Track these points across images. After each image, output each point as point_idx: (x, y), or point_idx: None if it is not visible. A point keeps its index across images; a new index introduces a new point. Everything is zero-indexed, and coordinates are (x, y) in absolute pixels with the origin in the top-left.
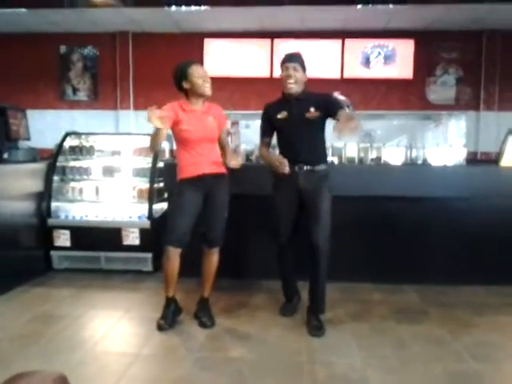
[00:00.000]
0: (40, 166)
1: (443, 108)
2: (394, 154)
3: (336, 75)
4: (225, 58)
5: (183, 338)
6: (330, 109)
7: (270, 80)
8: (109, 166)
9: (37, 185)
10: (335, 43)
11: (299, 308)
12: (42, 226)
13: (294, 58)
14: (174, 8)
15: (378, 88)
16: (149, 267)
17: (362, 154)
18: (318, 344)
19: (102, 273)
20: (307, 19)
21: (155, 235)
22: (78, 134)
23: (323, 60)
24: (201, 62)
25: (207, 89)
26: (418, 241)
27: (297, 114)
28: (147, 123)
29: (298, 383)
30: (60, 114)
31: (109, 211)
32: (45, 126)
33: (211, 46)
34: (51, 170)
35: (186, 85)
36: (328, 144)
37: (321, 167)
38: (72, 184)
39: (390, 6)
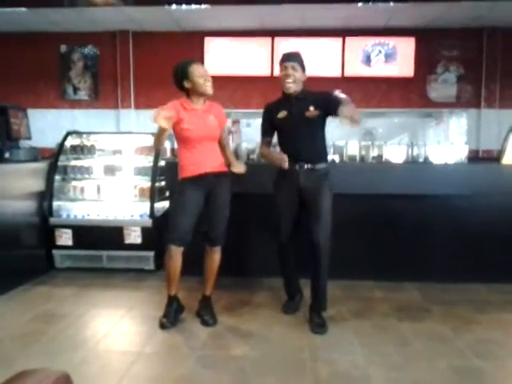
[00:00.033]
0: (41, 166)
1: (444, 106)
2: (395, 152)
3: (337, 73)
4: (225, 57)
5: (185, 336)
6: (330, 107)
7: (271, 78)
8: (110, 164)
9: (38, 184)
10: (336, 41)
11: (301, 306)
12: (44, 225)
13: (292, 57)
14: (174, 7)
15: (379, 86)
16: (151, 266)
17: (363, 152)
18: (321, 341)
19: (104, 271)
20: (308, 17)
21: (157, 234)
22: (79, 133)
23: (324, 58)
24: (201, 60)
25: (208, 88)
26: (419, 239)
27: (296, 113)
28: (148, 122)
29: (301, 381)
30: (61, 113)
31: (110, 210)
32: (46, 126)
33: (212, 45)
34: (53, 169)
35: (187, 84)
36: (329, 142)
37: (321, 166)
38: (73, 183)
39: (391, 3)
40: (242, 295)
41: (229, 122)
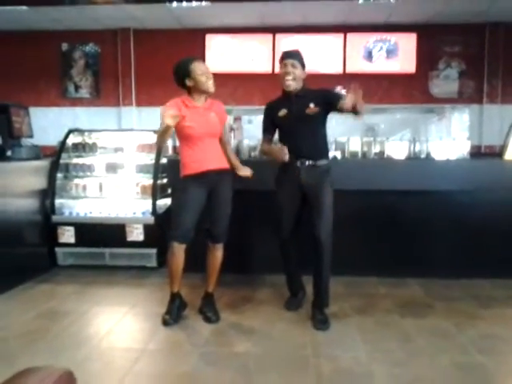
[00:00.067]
0: (43, 164)
1: (446, 102)
2: (397, 148)
3: (338, 70)
4: (226, 54)
5: (188, 333)
6: (331, 102)
7: (272, 75)
8: (112, 162)
9: (40, 182)
10: (337, 38)
11: (304, 303)
12: (47, 222)
13: (292, 55)
14: (175, 4)
15: (381, 82)
16: (153, 263)
17: (365, 149)
18: (323, 338)
19: (106, 269)
20: (309, 14)
21: (159, 231)
22: (80, 131)
23: (325, 55)
24: (202, 57)
25: (210, 85)
26: (421, 234)
27: (297, 111)
28: (150, 119)
29: (303, 377)
30: (62, 111)
31: (113, 207)
32: (47, 124)
33: (213, 42)
34: (55, 167)
35: (188, 82)
36: (331, 138)
37: (322, 162)
38: (75, 181)
39: None
40: (245, 292)
41: (230, 119)
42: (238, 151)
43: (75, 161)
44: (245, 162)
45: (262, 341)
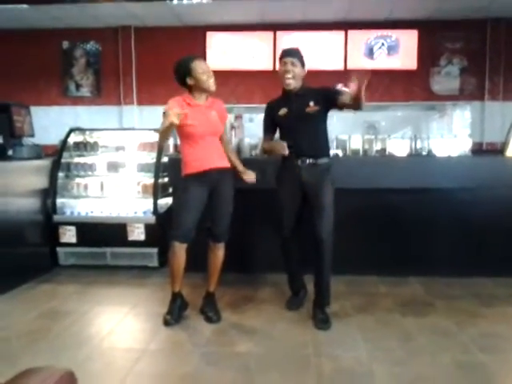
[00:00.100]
0: (45, 163)
1: (448, 98)
2: (398, 146)
3: (339, 67)
4: (227, 52)
5: (189, 332)
6: (330, 99)
7: (273, 73)
8: (113, 161)
9: (42, 181)
10: (338, 35)
11: (305, 302)
12: (48, 222)
13: (291, 53)
14: (175, 1)
15: (382, 79)
16: (154, 263)
17: (366, 146)
18: (324, 337)
19: (107, 269)
20: (309, 11)
21: (160, 230)
22: (82, 130)
23: (326, 52)
24: (203, 55)
25: (211, 84)
26: (423, 233)
27: (297, 110)
28: (151, 118)
29: (304, 376)
30: (63, 110)
31: (114, 207)
32: (48, 123)
33: (214, 40)
34: (56, 166)
35: (190, 81)
36: (332, 136)
37: (323, 160)
38: (77, 180)
39: None
40: (246, 291)
41: (231, 118)
42: (238, 150)
43: (76, 160)
44: (246, 161)
45: (264, 340)
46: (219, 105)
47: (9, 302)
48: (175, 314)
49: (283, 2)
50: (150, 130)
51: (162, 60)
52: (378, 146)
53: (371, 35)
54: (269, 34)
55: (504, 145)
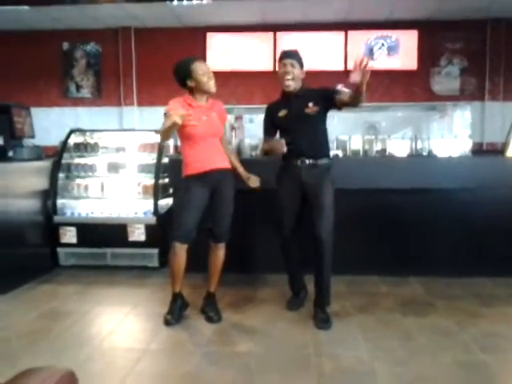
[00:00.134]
0: (45, 164)
1: (448, 99)
2: (398, 146)
3: (339, 67)
4: (227, 52)
5: (190, 332)
6: (329, 98)
7: (273, 74)
8: (114, 162)
9: (42, 182)
10: (338, 35)
11: (306, 302)
12: (48, 223)
13: (291, 55)
14: (175, 2)
15: (382, 80)
16: (155, 263)
17: (366, 147)
18: (325, 337)
19: (108, 269)
20: (309, 11)
21: (161, 231)
22: (82, 131)
23: (326, 52)
24: (203, 56)
25: (212, 86)
26: (423, 233)
27: (296, 111)
28: (151, 119)
29: (305, 376)
30: (64, 111)
31: (114, 207)
32: (49, 124)
33: (214, 40)
34: (56, 167)
35: (190, 83)
36: (332, 137)
37: (323, 161)
38: (77, 181)
39: None
40: (247, 291)
41: (232, 118)
42: (239, 150)
43: (77, 161)
44: (246, 162)
45: (264, 340)
46: (219, 106)
47: (9, 303)
48: (176, 313)
49: (283, 2)
50: (151, 130)
51: (162, 61)
52: (378, 147)
53: (371, 36)
54: (269, 35)
55: (504, 145)
